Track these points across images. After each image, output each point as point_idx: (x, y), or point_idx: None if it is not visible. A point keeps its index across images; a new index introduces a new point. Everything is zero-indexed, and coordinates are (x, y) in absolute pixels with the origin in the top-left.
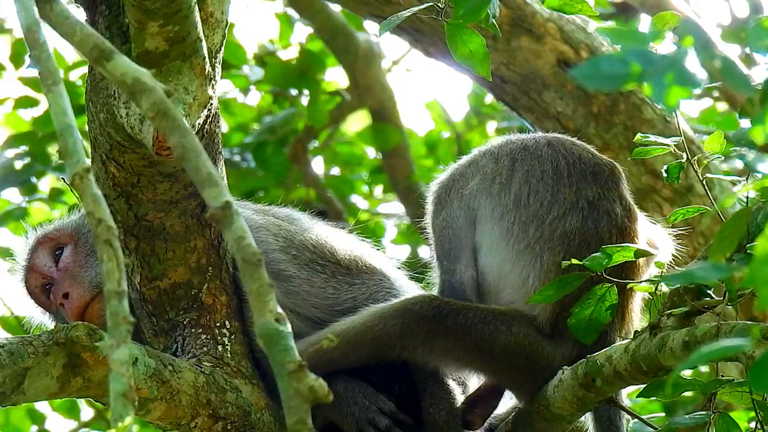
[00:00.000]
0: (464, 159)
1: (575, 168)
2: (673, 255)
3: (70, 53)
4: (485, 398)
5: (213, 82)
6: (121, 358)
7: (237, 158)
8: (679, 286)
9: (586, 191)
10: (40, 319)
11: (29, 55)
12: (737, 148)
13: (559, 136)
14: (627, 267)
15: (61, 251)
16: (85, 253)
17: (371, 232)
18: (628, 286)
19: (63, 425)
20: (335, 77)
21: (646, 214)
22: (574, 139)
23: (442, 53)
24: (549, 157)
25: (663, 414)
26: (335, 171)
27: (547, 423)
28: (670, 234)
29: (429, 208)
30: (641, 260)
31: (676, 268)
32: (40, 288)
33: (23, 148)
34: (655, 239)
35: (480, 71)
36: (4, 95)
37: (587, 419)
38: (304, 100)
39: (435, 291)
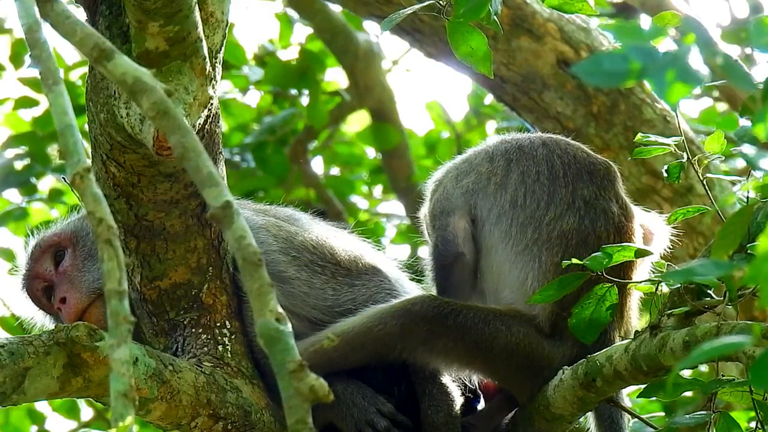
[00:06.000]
0: (458, 158)
1: (571, 168)
2: (673, 255)
3: (70, 53)
4: (488, 415)
5: (213, 82)
6: (122, 357)
7: (237, 158)
8: (679, 285)
9: (583, 191)
10: (43, 321)
11: (30, 55)
12: (739, 148)
13: (554, 136)
14: (623, 264)
15: (61, 254)
16: (83, 256)
17: (371, 232)
18: (628, 286)
19: (63, 425)
20: (335, 77)
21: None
22: (569, 139)
23: (442, 53)
24: (544, 157)
25: (663, 414)
26: (335, 171)
27: (547, 423)
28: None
29: (425, 199)
30: None
31: (676, 267)
32: (42, 292)
33: (23, 148)
34: (650, 226)
35: (482, 69)
36: (4, 95)
37: (589, 418)
38: (304, 101)
39: (429, 251)
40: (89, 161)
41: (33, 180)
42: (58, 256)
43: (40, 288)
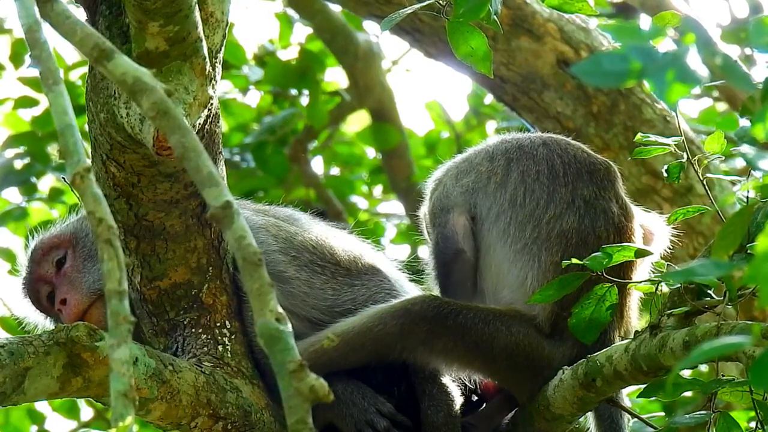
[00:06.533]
0: (459, 157)
1: (571, 167)
2: (673, 255)
3: (70, 53)
4: (488, 415)
5: (213, 82)
6: (122, 357)
7: (237, 158)
8: (679, 285)
9: (582, 190)
10: (44, 324)
11: (30, 55)
12: (738, 148)
13: (555, 136)
14: (623, 264)
15: (61, 257)
16: (82, 257)
17: (371, 232)
18: (628, 286)
19: (63, 425)
20: (335, 77)
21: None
22: (569, 139)
23: (442, 53)
24: (544, 156)
25: (663, 414)
26: (335, 171)
27: (547, 423)
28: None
29: (424, 198)
30: None
31: (676, 267)
32: (42, 294)
33: (23, 148)
34: (650, 227)
35: (481, 68)
36: (4, 95)
37: (589, 418)
38: (304, 100)
39: (429, 249)
40: (89, 161)
41: (33, 179)
42: (59, 258)
43: (41, 290)
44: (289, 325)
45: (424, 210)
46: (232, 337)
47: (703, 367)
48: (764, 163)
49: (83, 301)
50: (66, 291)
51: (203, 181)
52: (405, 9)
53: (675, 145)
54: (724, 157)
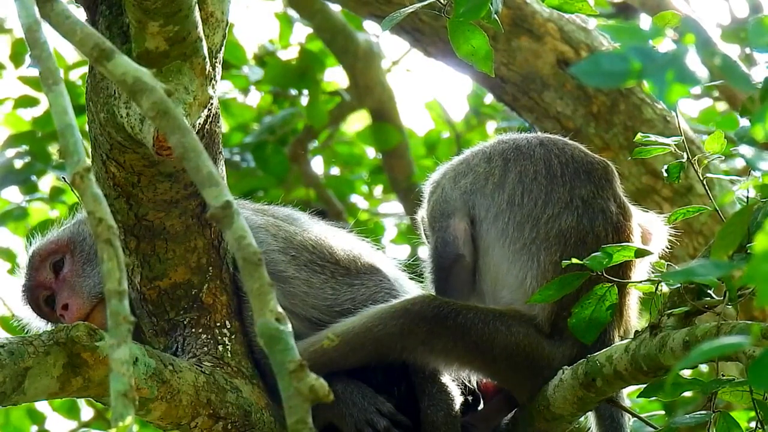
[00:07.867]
0: (456, 159)
1: (568, 167)
2: (673, 255)
3: (70, 53)
4: (488, 415)
5: (213, 81)
6: (122, 357)
7: (237, 158)
8: (679, 285)
9: (580, 190)
10: (45, 330)
11: (30, 55)
12: (738, 148)
13: (552, 136)
14: (622, 263)
15: (60, 262)
16: (81, 262)
17: (371, 232)
18: (627, 285)
19: (63, 425)
20: (335, 77)
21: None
22: (567, 139)
23: (442, 53)
24: (541, 157)
25: (663, 413)
26: (335, 171)
27: (547, 423)
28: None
29: (423, 201)
30: None
31: (676, 267)
32: (43, 300)
33: (23, 147)
34: (649, 226)
35: (482, 68)
36: (4, 95)
37: (589, 418)
38: (304, 100)
39: (428, 253)
40: (89, 161)
41: (33, 178)
42: (57, 263)
43: (42, 297)
44: (289, 325)
45: (422, 213)
46: (232, 337)
47: (703, 367)
48: (764, 164)
49: (85, 306)
50: (67, 296)
51: (203, 181)
52: (405, 8)
53: (675, 145)
54: (724, 157)
